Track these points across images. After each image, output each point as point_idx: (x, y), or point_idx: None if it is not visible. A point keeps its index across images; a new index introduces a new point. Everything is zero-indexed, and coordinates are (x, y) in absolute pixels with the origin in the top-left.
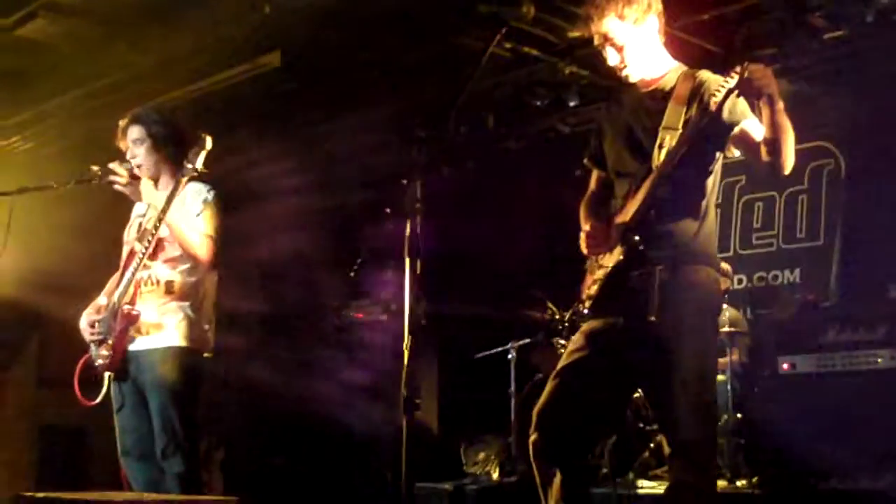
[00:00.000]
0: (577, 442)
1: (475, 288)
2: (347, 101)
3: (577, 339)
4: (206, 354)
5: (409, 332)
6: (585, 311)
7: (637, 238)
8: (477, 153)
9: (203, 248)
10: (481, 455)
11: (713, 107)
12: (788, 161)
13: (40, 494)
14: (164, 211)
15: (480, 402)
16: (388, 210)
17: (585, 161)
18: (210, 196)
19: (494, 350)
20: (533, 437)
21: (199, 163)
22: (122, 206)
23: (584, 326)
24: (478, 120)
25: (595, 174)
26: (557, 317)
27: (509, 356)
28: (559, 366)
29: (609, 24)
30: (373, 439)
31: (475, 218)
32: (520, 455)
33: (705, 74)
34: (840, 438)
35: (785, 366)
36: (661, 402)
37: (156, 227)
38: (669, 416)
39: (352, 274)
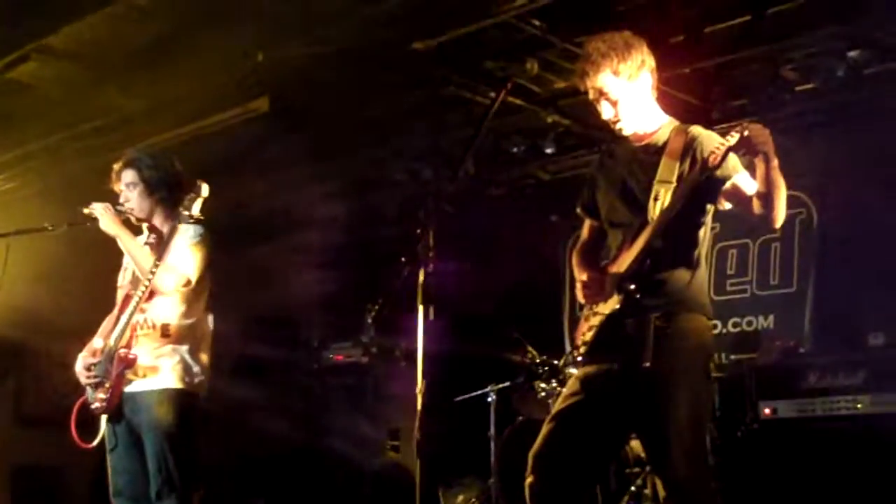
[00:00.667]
0: (574, 485)
1: (455, 331)
2: (334, 147)
3: (572, 384)
4: (201, 395)
5: (423, 377)
6: (579, 358)
7: (633, 287)
8: (457, 199)
9: (164, 281)
10: (460, 498)
11: (712, 163)
12: (780, 214)
13: None
14: (159, 258)
15: (460, 445)
16: (402, 258)
17: (578, 210)
18: (197, 238)
19: (474, 393)
20: (529, 480)
21: (196, 209)
22: (104, 247)
23: (579, 372)
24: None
25: (588, 223)
26: (538, 360)
27: (489, 399)
28: (554, 410)
29: (604, 80)
30: (353, 481)
31: (454, 262)
32: (500, 498)
33: (697, 130)
34: (821, 483)
35: (766, 410)
36: (656, 447)
37: (152, 273)
38: (664, 458)
39: (370, 319)
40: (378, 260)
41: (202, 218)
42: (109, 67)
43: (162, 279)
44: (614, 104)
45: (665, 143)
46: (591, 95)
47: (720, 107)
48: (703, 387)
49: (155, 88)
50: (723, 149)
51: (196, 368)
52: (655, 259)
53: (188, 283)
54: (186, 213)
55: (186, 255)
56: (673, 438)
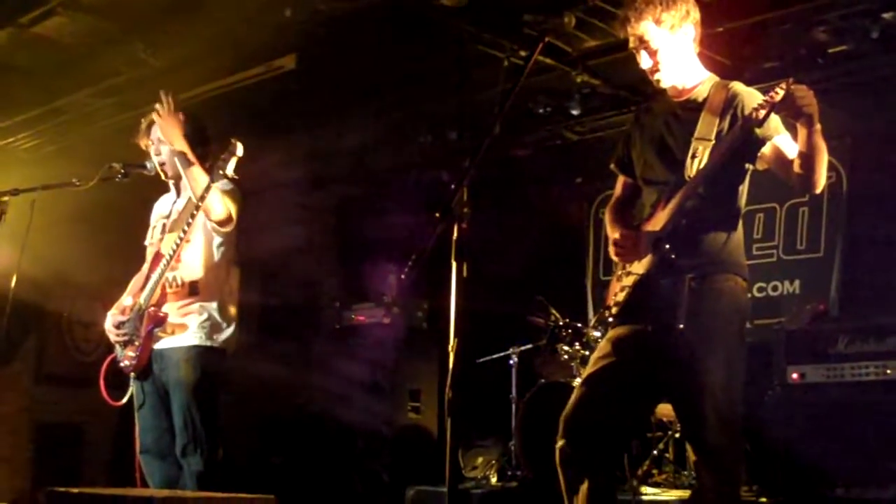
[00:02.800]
0: (605, 449)
1: (478, 292)
2: (361, 105)
3: (603, 347)
4: (228, 352)
5: (455, 335)
6: (611, 319)
7: (668, 247)
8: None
9: (215, 205)
10: (480, 459)
11: (756, 120)
12: (821, 180)
13: (74, 490)
14: (192, 216)
15: (481, 407)
16: (437, 214)
17: (612, 166)
18: (230, 187)
19: (496, 355)
20: (560, 444)
21: (231, 169)
22: (125, 206)
23: (611, 333)
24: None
25: (621, 180)
26: (560, 323)
27: (511, 361)
28: (585, 373)
29: (646, 27)
30: (372, 440)
31: (479, 222)
32: (522, 461)
33: (739, 86)
34: (847, 448)
35: (794, 375)
36: (688, 410)
37: (184, 231)
38: (696, 423)
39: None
40: (399, 221)
41: (237, 178)
42: (135, 22)
43: (213, 202)
44: (653, 54)
45: (705, 100)
46: (631, 44)
47: (752, 68)
48: (737, 350)
49: (180, 44)
50: (767, 105)
51: (224, 325)
52: (692, 218)
53: (230, 219)
54: (221, 172)
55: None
56: (706, 404)
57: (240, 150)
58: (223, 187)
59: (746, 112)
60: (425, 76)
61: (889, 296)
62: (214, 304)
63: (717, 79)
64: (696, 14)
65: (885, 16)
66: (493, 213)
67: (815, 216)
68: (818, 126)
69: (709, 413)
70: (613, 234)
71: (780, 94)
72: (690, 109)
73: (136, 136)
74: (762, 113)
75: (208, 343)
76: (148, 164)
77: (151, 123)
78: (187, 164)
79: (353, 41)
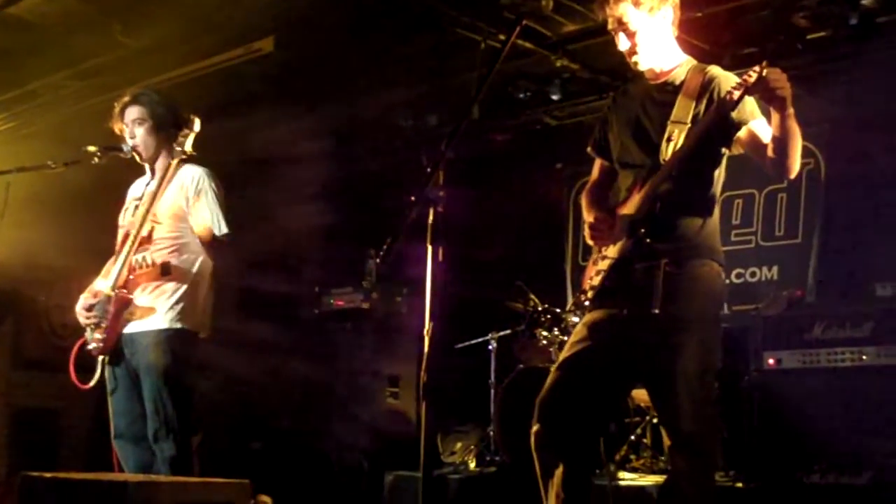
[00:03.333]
0: (581, 433)
1: (456, 277)
2: (337, 90)
3: (579, 331)
4: (201, 335)
5: (430, 319)
6: (587, 302)
7: (643, 230)
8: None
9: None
10: (459, 445)
11: (730, 102)
12: (795, 165)
13: (48, 475)
14: (156, 194)
15: (460, 392)
16: (412, 198)
17: (589, 149)
18: (208, 182)
19: (475, 340)
20: (535, 429)
21: (189, 145)
22: (102, 190)
23: (587, 317)
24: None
25: (598, 163)
26: (539, 308)
27: (490, 346)
28: (561, 357)
29: (624, 9)
30: (352, 427)
31: (458, 208)
32: (500, 446)
33: (716, 70)
34: (823, 433)
35: (770, 361)
36: (663, 395)
37: (147, 210)
38: (671, 408)
39: (373, 263)
40: (380, 207)
41: (194, 154)
42: (112, 4)
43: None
44: (632, 36)
45: (682, 83)
46: (610, 25)
47: (731, 53)
48: (712, 336)
49: (158, 26)
50: (741, 88)
51: (197, 307)
52: (667, 202)
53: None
54: (179, 148)
55: (203, 200)
56: (681, 389)
57: (197, 125)
58: (201, 190)
59: (722, 95)
60: (405, 60)
61: (866, 281)
62: (186, 286)
63: (694, 62)
64: None
65: (864, 2)
66: (473, 197)
67: (793, 202)
68: (791, 110)
69: (683, 399)
70: (589, 217)
71: (753, 76)
72: (667, 92)
73: (111, 120)
74: (736, 95)
75: (178, 325)
76: (124, 147)
77: (125, 106)
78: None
79: (332, 24)
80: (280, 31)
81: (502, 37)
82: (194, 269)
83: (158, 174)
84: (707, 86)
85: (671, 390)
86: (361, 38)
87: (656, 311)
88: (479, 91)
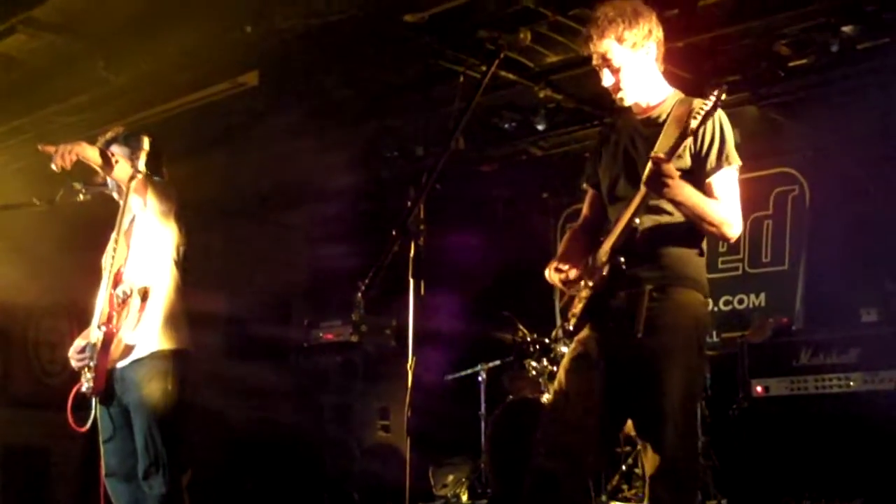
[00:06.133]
0: (578, 467)
1: (445, 309)
2: (323, 121)
3: (565, 364)
4: (189, 350)
5: (413, 354)
6: (571, 329)
7: (622, 259)
8: (446, 174)
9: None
10: (450, 477)
11: (692, 129)
12: (723, 233)
13: None
14: (118, 226)
15: (450, 424)
16: (393, 232)
17: (584, 185)
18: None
19: (465, 372)
20: (534, 463)
21: (142, 165)
22: (92, 228)
23: (571, 348)
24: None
25: (588, 199)
26: (528, 339)
27: (479, 378)
28: (553, 391)
29: (608, 46)
30: (342, 460)
31: (445, 239)
32: (492, 477)
33: (698, 103)
34: (813, 460)
35: (759, 388)
36: (647, 423)
37: (116, 240)
38: (654, 435)
39: (360, 296)
40: (369, 236)
41: (148, 173)
42: (97, 40)
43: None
44: (616, 72)
45: (667, 116)
46: (594, 61)
47: (713, 82)
48: (697, 364)
49: (143, 62)
50: (702, 113)
51: (178, 325)
52: (648, 231)
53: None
54: (134, 170)
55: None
56: (666, 416)
57: (146, 143)
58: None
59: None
60: (389, 92)
61: (853, 307)
62: (165, 308)
63: (681, 95)
64: (658, 33)
65: (845, 29)
66: (460, 228)
67: (779, 229)
68: (679, 199)
69: (668, 428)
70: (556, 261)
71: (711, 100)
72: (654, 125)
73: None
74: (698, 120)
75: (167, 346)
76: (109, 183)
77: (108, 143)
78: (108, 165)
79: (316, 58)
80: (265, 64)
81: (484, 68)
82: (169, 289)
83: (122, 204)
84: (687, 118)
85: (655, 418)
86: (345, 71)
87: (639, 335)
88: (457, 124)
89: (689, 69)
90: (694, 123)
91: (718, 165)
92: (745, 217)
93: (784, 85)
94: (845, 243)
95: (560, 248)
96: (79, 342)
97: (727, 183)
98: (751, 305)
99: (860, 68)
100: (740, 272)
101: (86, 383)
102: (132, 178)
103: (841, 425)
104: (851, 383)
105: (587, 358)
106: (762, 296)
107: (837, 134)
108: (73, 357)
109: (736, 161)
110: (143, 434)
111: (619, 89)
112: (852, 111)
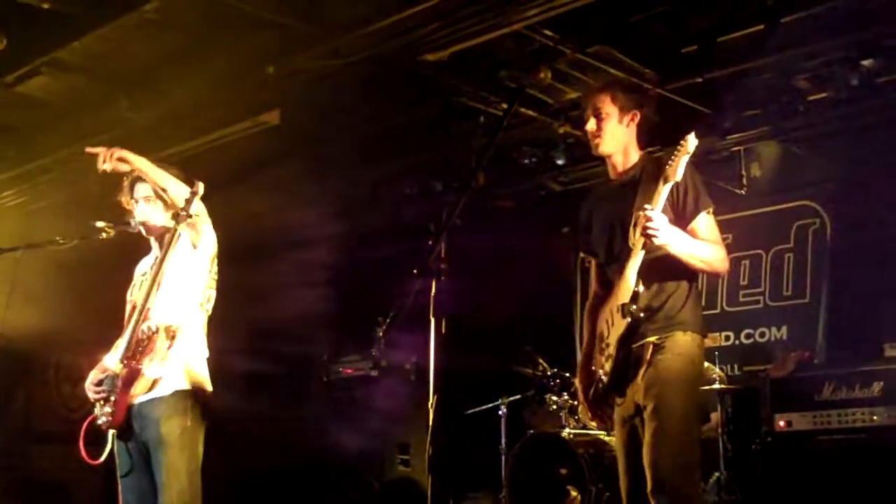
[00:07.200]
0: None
1: (466, 344)
2: (345, 160)
3: (616, 419)
4: (208, 390)
5: (434, 392)
6: (601, 385)
7: (635, 307)
8: (467, 211)
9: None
10: None
11: (671, 175)
12: (712, 269)
13: None
14: (160, 264)
15: (471, 459)
16: (415, 271)
17: (583, 255)
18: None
19: (485, 406)
20: None
21: (196, 207)
22: (112, 262)
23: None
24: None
25: (593, 272)
26: (549, 373)
27: (500, 412)
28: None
29: (603, 100)
30: (363, 496)
31: (465, 274)
32: None
33: (669, 151)
34: (835, 495)
35: (781, 423)
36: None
37: (153, 280)
38: (650, 452)
39: (381, 332)
40: (388, 275)
41: (199, 215)
42: (119, 81)
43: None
44: (601, 120)
45: (641, 174)
46: (587, 110)
47: (733, 117)
48: (692, 390)
49: (165, 101)
50: (678, 157)
51: (200, 363)
52: (646, 281)
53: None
54: (184, 213)
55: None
56: (661, 434)
57: (201, 189)
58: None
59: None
60: (409, 129)
61: (876, 340)
62: (188, 348)
63: (647, 155)
64: (647, 111)
65: (865, 63)
66: (480, 265)
67: (800, 262)
68: (667, 247)
69: (662, 445)
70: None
71: (684, 144)
72: (631, 184)
73: (119, 194)
74: (674, 164)
75: (188, 387)
76: (132, 222)
77: (134, 182)
78: (164, 176)
79: (337, 96)
80: (285, 104)
81: (504, 105)
82: (195, 328)
83: (165, 243)
84: (662, 169)
85: (652, 434)
86: (366, 109)
87: (640, 382)
88: (479, 161)
89: (708, 104)
90: (669, 170)
91: (696, 210)
92: (767, 250)
93: (804, 119)
94: (867, 277)
95: (585, 336)
96: (96, 374)
97: (707, 225)
98: (772, 338)
99: (880, 102)
100: (761, 305)
101: (102, 417)
102: (182, 218)
103: (864, 460)
104: (875, 417)
105: (623, 416)
106: (783, 328)
107: (858, 167)
108: (90, 389)
109: (710, 205)
110: (164, 469)
111: (597, 136)
112: (873, 144)
